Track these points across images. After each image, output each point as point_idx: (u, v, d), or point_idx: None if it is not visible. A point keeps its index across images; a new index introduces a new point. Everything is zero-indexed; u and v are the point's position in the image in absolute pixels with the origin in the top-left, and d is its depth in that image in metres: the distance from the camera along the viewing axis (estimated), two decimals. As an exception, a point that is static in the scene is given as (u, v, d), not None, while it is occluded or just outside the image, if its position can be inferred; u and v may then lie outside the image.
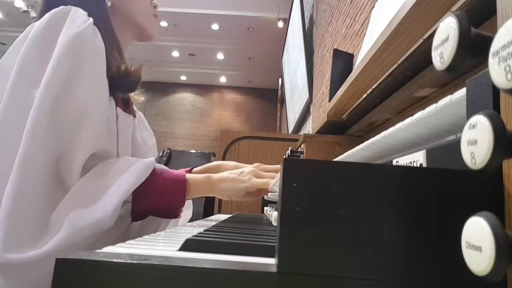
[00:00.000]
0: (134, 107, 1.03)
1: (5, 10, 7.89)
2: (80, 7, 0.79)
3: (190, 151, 7.10)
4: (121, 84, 0.80)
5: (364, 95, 1.04)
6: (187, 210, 1.02)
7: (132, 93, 0.97)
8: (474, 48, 0.25)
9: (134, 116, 0.99)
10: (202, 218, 1.48)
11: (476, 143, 0.23)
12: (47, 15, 0.74)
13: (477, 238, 0.21)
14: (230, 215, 1.42)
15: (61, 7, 0.75)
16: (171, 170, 0.79)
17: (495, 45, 0.22)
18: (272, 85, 10.62)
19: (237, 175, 0.83)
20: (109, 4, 0.86)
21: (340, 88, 1.12)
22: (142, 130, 1.04)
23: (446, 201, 0.29)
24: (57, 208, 0.63)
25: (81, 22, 0.73)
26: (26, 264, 0.57)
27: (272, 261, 0.34)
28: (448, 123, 0.41)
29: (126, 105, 0.92)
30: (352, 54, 1.75)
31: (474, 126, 0.24)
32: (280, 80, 8.16)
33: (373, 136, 0.55)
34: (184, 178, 0.78)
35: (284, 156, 1.51)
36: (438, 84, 0.76)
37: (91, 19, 0.75)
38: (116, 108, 0.85)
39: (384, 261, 0.29)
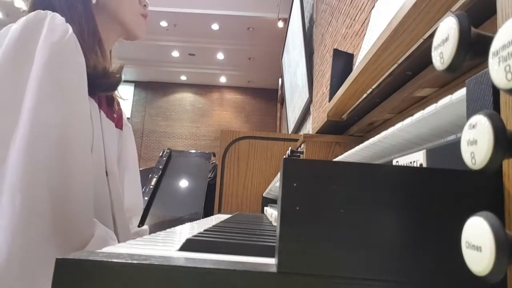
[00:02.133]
0: (125, 119, 1.02)
1: (5, 10, 7.90)
2: (64, 4, 0.78)
3: (190, 151, 7.10)
4: (98, 84, 0.79)
5: (364, 95, 1.04)
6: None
7: (117, 93, 0.96)
8: (474, 48, 0.25)
9: (120, 128, 0.98)
10: (202, 218, 1.48)
11: (476, 143, 0.23)
12: (22, 21, 0.71)
13: (477, 238, 0.21)
14: (230, 215, 1.42)
15: (37, 11, 0.73)
16: None
17: (495, 45, 0.22)
18: (272, 85, 10.62)
19: None
20: (94, 1, 0.85)
21: (340, 88, 1.12)
22: (129, 145, 1.03)
23: (446, 201, 0.29)
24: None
25: (60, 33, 0.70)
26: None
27: (272, 261, 0.34)
28: (448, 123, 0.41)
29: (109, 105, 0.91)
30: (352, 54, 1.75)
31: (474, 126, 0.24)
32: (280, 80, 8.16)
33: (373, 136, 0.55)
34: None
35: (284, 156, 1.51)
36: (438, 84, 0.76)
37: (70, 29, 0.73)
38: (100, 112, 0.84)
39: (384, 261, 0.29)
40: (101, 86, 0.81)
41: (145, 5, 0.94)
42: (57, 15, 0.73)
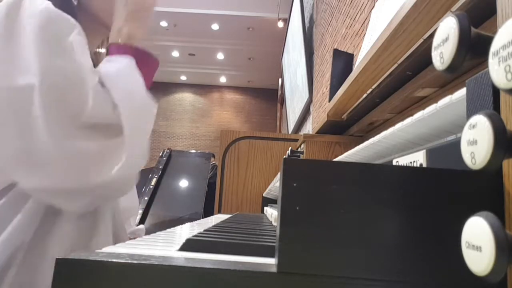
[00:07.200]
0: None
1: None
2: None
3: (190, 151, 7.10)
4: None
5: (364, 95, 1.04)
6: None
7: None
8: (474, 48, 0.25)
9: None
10: (202, 218, 1.48)
11: (476, 143, 0.23)
12: (1, 5, 0.70)
13: (477, 238, 0.21)
14: (230, 215, 1.42)
15: None
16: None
17: (495, 45, 0.22)
18: (272, 85, 10.62)
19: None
20: (75, 2, 0.85)
21: (340, 88, 1.12)
22: None
23: (446, 201, 0.29)
24: None
25: (45, 2, 0.69)
26: None
27: (272, 261, 0.34)
28: (448, 123, 0.41)
29: None
30: (352, 54, 1.75)
31: (474, 126, 0.24)
32: (280, 80, 8.16)
33: (373, 136, 0.55)
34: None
35: (284, 156, 1.51)
36: (438, 84, 0.76)
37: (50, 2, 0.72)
38: None
39: (384, 261, 0.29)
40: None
41: None
42: None
